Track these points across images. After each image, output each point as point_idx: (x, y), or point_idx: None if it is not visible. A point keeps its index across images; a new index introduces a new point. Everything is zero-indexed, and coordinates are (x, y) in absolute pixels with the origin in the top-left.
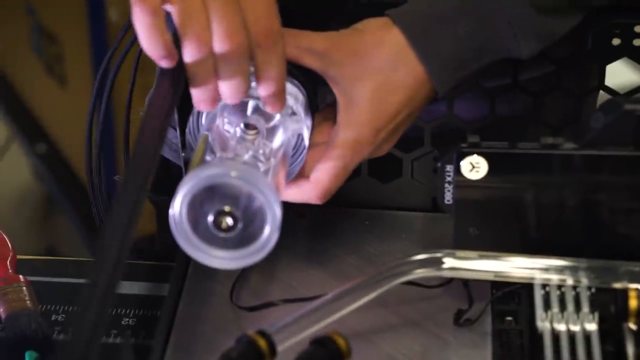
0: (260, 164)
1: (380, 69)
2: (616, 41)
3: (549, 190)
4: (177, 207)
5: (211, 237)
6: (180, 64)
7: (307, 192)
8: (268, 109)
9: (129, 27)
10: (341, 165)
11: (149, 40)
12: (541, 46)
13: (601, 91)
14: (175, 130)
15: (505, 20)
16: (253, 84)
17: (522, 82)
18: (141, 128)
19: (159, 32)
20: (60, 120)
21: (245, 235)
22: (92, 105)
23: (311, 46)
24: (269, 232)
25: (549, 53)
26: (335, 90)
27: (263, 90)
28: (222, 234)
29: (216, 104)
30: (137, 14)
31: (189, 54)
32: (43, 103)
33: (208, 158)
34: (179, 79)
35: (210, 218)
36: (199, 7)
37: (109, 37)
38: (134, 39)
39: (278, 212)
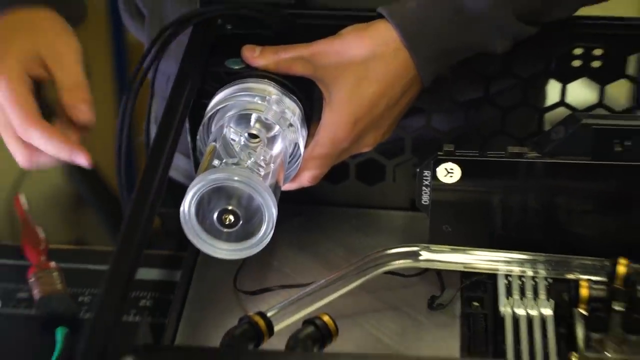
0: (261, 169)
1: (360, 62)
2: (576, 63)
3: (514, 193)
4: (187, 205)
5: (215, 231)
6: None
7: (300, 179)
8: None
9: (145, 56)
10: (322, 162)
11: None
12: (511, 44)
13: (562, 107)
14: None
15: (488, 22)
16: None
17: (492, 97)
18: (158, 128)
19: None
20: (88, 137)
21: (245, 231)
22: (119, 125)
23: (299, 55)
24: (266, 229)
25: (516, 72)
26: (322, 90)
27: None
28: (225, 229)
29: None
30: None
31: None
32: None
33: (215, 163)
34: (189, 97)
35: (215, 215)
36: None
37: (129, 58)
38: (149, 67)
39: (274, 212)
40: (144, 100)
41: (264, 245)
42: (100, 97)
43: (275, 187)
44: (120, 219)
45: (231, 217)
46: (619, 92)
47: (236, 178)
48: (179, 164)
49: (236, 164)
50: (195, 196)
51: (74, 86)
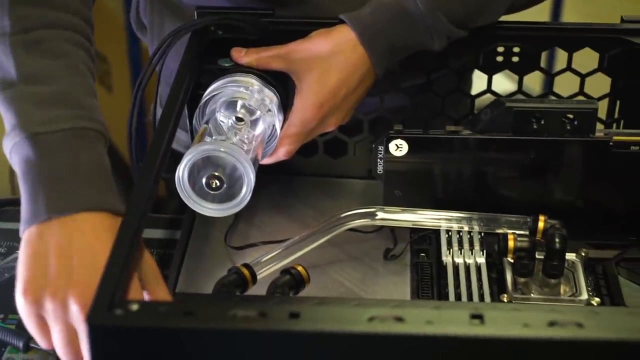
0: (244, 145)
1: (324, 57)
2: (500, 58)
3: (452, 163)
4: (181, 171)
5: (204, 193)
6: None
7: (277, 154)
8: None
9: (153, 57)
10: (295, 139)
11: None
12: (447, 43)
13: (489, 94)
14: (186, 118)
15: (426, 25)
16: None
17: (433, 85)
18: (162, 113)
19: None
20: (108, 118)
21: (228, 194)
22: (132, 107)
23: (276, 53)
24: (245, 193)
25: (451, 65)
26: (294, 80)
27: None
28: (211, 192)
29: None
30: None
31: None
32: None
33: (207, 139)
34: (188, 88)
35: (204, 180)
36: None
37: (143, 59)
38: (156, 64)
39: (252, 179)
40: (152, 87)
41: (242, 206)
42: (119, 85)
43: (255, 160)
44: (131, 184)
45: (217, 182)
46: (533, 81)
47: (222, 149)
48: (180, 137)
49: (224, 140)
50: (189, 164)
51: (157, 285)
